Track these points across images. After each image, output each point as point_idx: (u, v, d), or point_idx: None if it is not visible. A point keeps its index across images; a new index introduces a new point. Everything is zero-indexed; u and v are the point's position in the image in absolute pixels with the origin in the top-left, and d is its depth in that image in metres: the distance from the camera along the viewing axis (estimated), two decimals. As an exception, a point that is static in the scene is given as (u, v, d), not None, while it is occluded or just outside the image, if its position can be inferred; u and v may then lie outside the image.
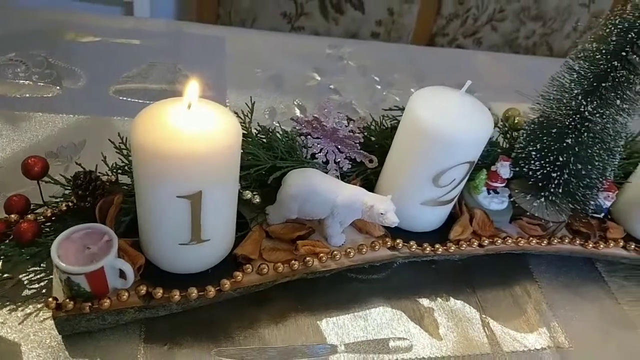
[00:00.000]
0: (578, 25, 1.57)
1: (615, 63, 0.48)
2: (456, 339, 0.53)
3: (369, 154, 0.59)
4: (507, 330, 0.55)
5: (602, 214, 0.62)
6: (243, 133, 0.56)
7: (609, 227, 0.62)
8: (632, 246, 0.61)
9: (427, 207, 0.53)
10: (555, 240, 0.59)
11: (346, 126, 0.60)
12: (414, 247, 0.54)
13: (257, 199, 0.52)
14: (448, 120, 0.47)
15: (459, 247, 0.56)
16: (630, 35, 0.46)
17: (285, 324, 0.51)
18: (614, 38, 0.47)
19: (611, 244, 0.61)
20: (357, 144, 0.58)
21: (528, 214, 0.58)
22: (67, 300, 0.43)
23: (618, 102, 0.48)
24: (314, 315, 0.52)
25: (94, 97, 0.68)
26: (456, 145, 0.47)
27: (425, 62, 0.95)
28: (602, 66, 0.48)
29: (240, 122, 0.56)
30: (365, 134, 0.62)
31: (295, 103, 0.76)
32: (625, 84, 0.48)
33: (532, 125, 0.56)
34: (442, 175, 0.50)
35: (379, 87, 0.86)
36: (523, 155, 0.57)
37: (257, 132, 0.57)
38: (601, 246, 0.60)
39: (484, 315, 0.56)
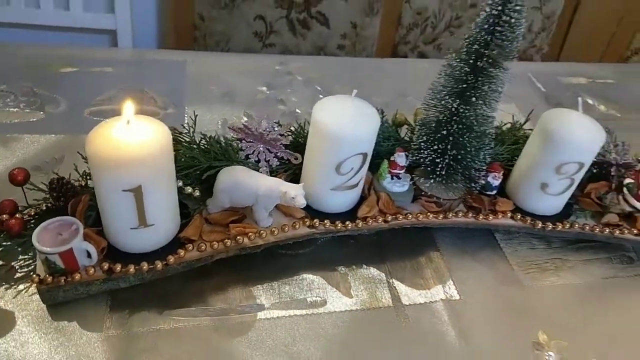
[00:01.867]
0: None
1: (467, 69, 0.60)
2: (364, 297, 0.66)
3: (294, 152, 0.72)
4: (408, 289, 0.68)
5: (494, 191, 0.75)
6: (187, 140, 0.69)
7: (499, 201, 0.74)
8: (519, 216, 0.74)
9: (337, 191, 0.66)
10: (451, 215, 0.72)
11: (276, 130, 0.73)
12: (328, 224, 0.67)
13: (197, 193, 0.65)
14: (339, 121, 0.60)
15: (366, 223, 0.68)
16: (475, 47, 0.59)
17: (224, 292, 0.64)
18: (464, 49, 0.60)
19: (500, 216, 0.73)
20: (282, 145, 0.71)
21: (423, 193, 0.71)
22: (47, 275, 0.56)
23: (473, 99, 0.61)
24: (248, 284, 0.65)
25: (72, 119, 0.82)
26: (346, 140, 0.60)
27: (366, 73, 1.08)
28: (459, 72, 0.61)
29: (185, 132, 0.70)
30: (294, 136, 0.75)
31: (245, 113, 0.90)
32: (478, 86, 0.61)
33: (421, 122, 0.69)
34: (341, 165, 0.63)
35: (322, 96, 0.99)
36: (417, 147, 0.70)
37: (200, 139, 0.70)
38: (491, 217, 0.73)
39: (390, 279, 0.69)
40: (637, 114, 1.09)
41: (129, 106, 0.52)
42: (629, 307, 0.70)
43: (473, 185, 0.71)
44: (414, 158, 0.71)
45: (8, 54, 0.94)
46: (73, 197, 0.61)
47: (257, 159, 0.70)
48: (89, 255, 0.57)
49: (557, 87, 1.15)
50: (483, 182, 0.73)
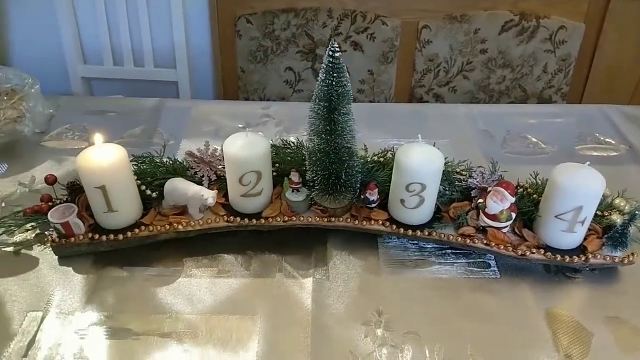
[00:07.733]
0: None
1: (323, 117, 0.87)
2: (259, 271, 0.94)
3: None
4: (293, 269, 0.94)
5: (373, 205, 0.98)
6: (156, 162, 1.04)
7: (374, 212, 0.98)
8: (387, 224, 0.97)
9: (246, 198, 0.96)
10: (334, 219, 0.97)
11: (217, 154, 1.04)
12: (239, 220, 0.96)
13: (154, 195, 0.98)
14: (235, 148, 0.91)
15: (267, 222, 0.97)
16: (322, 103, 0.86)
17: (164, 259, 0.96)
18: (315, 107, 0.87)
19: (372, 222, 0.97)
20: (220, 165, 1.02)
21: (312, 202, 0.97)
22: (56, 237, 0.93)
23: (328, 138, 0.88)
24: (180, 257, 0.96)
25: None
26: (240, 161, 0.90)
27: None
28: (317, 119, 0.88)
29: (157, 156, 1.05)
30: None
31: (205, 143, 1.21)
32: (332, 127, 0.87)
33: (308, 151, 0.96)
34: (242, 179, 0.93)
35: (285, 133, 1.29)
36: (307, 169, 0.97)
37: (166, 161, 1.05)
38: (364, 223, 0.97)
39: (282, 262, 0.96)
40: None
41: (98, 137, 0.88)
42: (459, 302, 0.89)
43: (354, 198, 0.97)
44: (309, 177, 0.98)
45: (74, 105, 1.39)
46: (80, 193, 0.98)
47: (202, 174, 1.02)
48: (80, 227, 0.93)
49: (499, 126, 1.33)
50: (362, 197, 0.98)
